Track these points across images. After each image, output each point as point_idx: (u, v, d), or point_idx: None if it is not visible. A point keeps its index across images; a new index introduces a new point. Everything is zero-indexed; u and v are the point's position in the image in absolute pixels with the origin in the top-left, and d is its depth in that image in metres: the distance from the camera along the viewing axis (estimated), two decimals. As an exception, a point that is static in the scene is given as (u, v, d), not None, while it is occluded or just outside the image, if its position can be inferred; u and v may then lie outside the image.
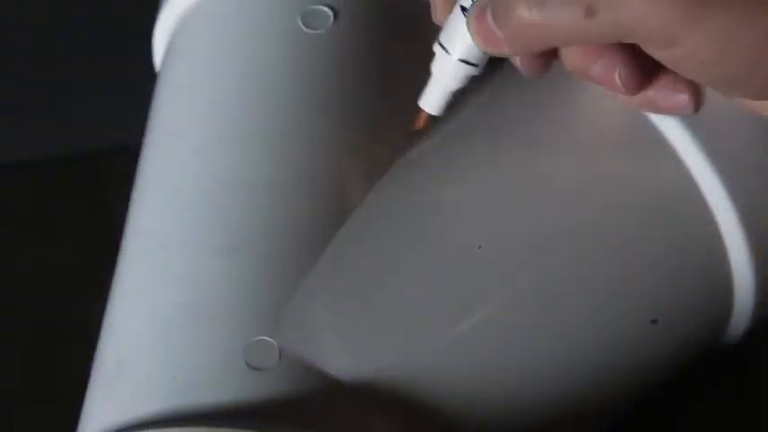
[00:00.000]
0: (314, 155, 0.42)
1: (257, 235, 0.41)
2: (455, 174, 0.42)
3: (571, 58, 0.36)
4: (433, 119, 0.39)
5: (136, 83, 0.54)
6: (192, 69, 0.46)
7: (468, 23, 0.36)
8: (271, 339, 0.39)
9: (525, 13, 0.34)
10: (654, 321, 0.42)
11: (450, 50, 0.37)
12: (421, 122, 0.40)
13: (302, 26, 0.44)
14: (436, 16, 0.38)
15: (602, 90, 0.40)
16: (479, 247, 0.41)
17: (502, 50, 0.36)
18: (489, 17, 0.35)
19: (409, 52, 0.45)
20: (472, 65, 0.37)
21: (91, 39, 0.64)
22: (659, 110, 0.36)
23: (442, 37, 0.37)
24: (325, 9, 0.44)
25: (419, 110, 0.39)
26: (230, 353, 0.39)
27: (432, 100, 0.39)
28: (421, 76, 0.43)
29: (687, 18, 0.33)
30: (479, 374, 0.41)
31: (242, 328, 0.39)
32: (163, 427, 0.38)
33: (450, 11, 0.37)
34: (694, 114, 0.36)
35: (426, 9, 0.44)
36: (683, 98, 0.36)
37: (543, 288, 0.41)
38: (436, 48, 0.38)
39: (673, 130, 0.42)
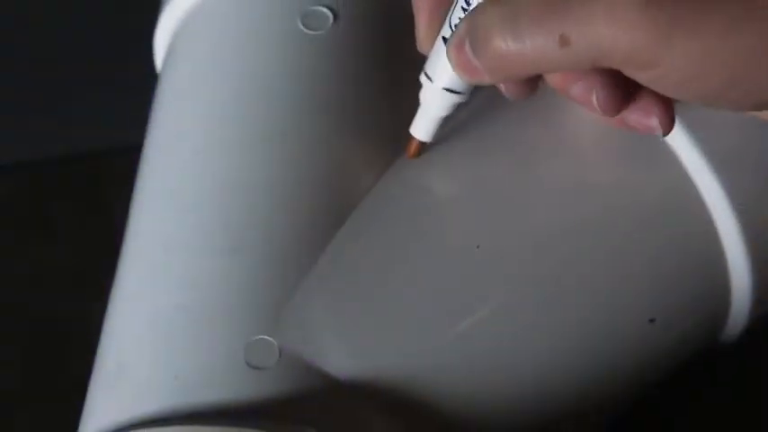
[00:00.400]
0: (314, 155, 0.42)
1: (257, 235, 0.41)
2: (454, 174, 0.43)
3: (552, 79, 0.37)
4: (424, 145, 0.41)
5: (136, 83, 0.54)
6: (192, 71, 0.46)
7: (447, 54, 0.38)
8: (271, 339, 0.39)
9: (501, 44, 0.35)
10: (652, 320, 0.42)
11: (434, 80, 0.39)
12: (412, 150, 0.41)
13: (302, 27, 0.44)
14: (420, 46, 0.39)
15: None
16: (477, 247, 0.41)
17: (482, 80, 0.37)
18: (467, 48, 0.37)
19: (408, 53, 0.44)
20: (457, 93, 0.39)
21: (91, 39, 0.64)
22: (632, 130, 0.37)
23: (427, 67, 0.39)
24: (325, 10, 0.44)
25: (410, 138, 0.41)
26: (230, 352, 0.39)
27: (422, 127, 0.41)
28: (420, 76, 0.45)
29: (662, 40, 0.33)
30: (479, 373, 0.41)
31: (242, 328, 0.39)
32: (163, 426, 0.38)
33: (433, 41, 0.39)
34: (663, 137, 0.37)
35: None
36: (654, 122, 0.37)
37: (542, 287, 0.41)
38: (422, 78, 0.39)
39: (675, 136, 0.42)
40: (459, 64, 0.37)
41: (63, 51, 0.64)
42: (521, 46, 0.35)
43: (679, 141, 0.42)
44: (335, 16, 0.44)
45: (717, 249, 0.43)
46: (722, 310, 0.44)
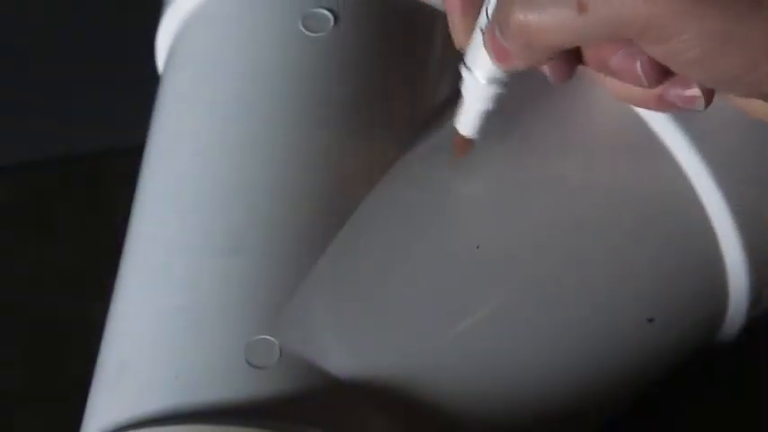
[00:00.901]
0: (314, 156, 0.42)
1: (258, 236, 0.41)
2: (454, 175, 0.43)
3: (591, 50, 0.36)
4: (470, 142, 0.40)
5: (136, 83, 0.54)
6: (193, 72, 0.46)
7: (485, 44, 0.37)
8: (271, 338, 0.39)
9: (521, 17, 0.35)
10: (650, 320, 0.42)
11: (475, 73, 0.38)
12: (460, 148, 0.41)
13: (303, 29, 0.44)
14: (458, 41, 0.39)
15: (599, 93, 0.41)
16: (477, 248, 0.41)
17: (514, 63, 0.36)
18: (497, 32, 0.36)
19: (408, 54, 0.45)
20: (500, 84, 0.38)
21: (91, 39, 0.64)
22: (671, 105, 0.36)
23: (468, 60, 0.38)
24: (326, 12, 0.45)
25: (456, 136, 0.40)
26: (231, 352, 0.39)
27: (466, 123, 0.40)
28: (420, 77, 0.45)
29: (684, 13, 0.33)
30: (478, 373, 0.41)
31: (243, 328, 0.40)
32: (165, 425, 0.38)
33: (470, 35, 0.38)
34: (704, 110, 0.36)
35: (426, 12, 0.45)
36: (696, 92, 0.36)
37: (542, 288, 0.42)
38: (463, 71, 0.39)
39: (668, 132, 0.43)
40: (494, 50, 0.37)
41: (63, 51, 0.64)
42: (540, 16, 0.34)
43: (676, 143, 0.42)
44: (336, 18, 0.45)
45: (714, 250, 0.43)
46: (720, 310, 0.45)
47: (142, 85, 0.52)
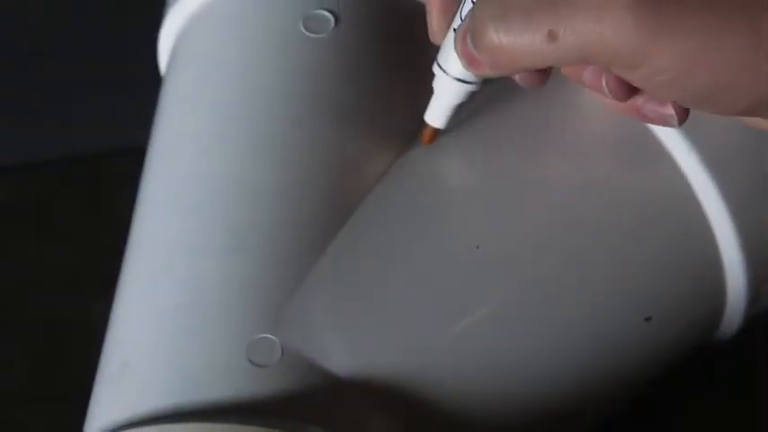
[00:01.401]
0: (315, 157, 0.43)
1: (260, 236, 0.41)
2: (454, 175, 0.43)
3: (564, 67, 0.38)
4: (437, 132, 0.42)
5: (135, 83, 0.55)
6: (195, 73, 0.46)
7: (455, 45, 0.38)
8: (273, 337, 0.40)
9: (494, 37, 0.36)
10: (648, 319, 0.43)
11: (446, 70, 0.40)
12: (427, 136, 0.43)
13: (304, 30, 0.45)
14: (433, 37, 0.40)
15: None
16: (477, 247, 0.41)
17: (484, 72, 0.38)
18: (469, 40, 0.37)
19: (408, 55, 0.46)
20: (468, 83, 0.40)
21: (91, 39, 0.64)
22: (645, 119, 0.38)
23: (440, 57, 0.40)
24: (326, 14, 0.45)
25: (425, 124, 0.42)
26: (233, 351, 0.40)
27: (435, 115, 0.42)
28: (420, 78, 0.44)
29: (648, 40, 0.34)
30: (478, 372, 0.41)
31: (245, 327, 0.40)
32: (167, 423, 0.39)
33: (446, 32, 0.40)
34: (678, 127, 0.37)
35: (425, 12, 0.46)
36: (669, 111, 0.37)
37: (541, 287, 0.42)
38: (435, 68, 0.40)
39: (666, 132, 0.43)
40: (464, 56, 0.38)
41: (63, 51, 0.64)
42: (511, 40, 0.36)
43: (675, 143, 0.43)
44: (337, 19, 0.45)
45: (713, 249, 0.43)
46: (717, 309, 0.45)
47: (142, 85, 0.52)
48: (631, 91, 0.37)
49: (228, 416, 0.39)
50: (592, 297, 0.43)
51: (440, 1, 0.40)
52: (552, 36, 0.35)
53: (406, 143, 0.44)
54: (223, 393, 0.39)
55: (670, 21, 0.34)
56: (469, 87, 0.40)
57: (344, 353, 0.40)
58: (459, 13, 0.39)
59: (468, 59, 0.38)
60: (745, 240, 0.43)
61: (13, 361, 0.56)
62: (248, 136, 0.44)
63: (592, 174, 0.43)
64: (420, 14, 0.45)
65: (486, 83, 0.41)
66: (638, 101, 0.37)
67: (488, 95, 0.43)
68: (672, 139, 0.43)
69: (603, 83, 0.37)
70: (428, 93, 0.45)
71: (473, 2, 0.38)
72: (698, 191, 0.43)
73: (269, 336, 0.40)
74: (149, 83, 0.52)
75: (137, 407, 0.40)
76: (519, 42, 0.36)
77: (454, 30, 0.39)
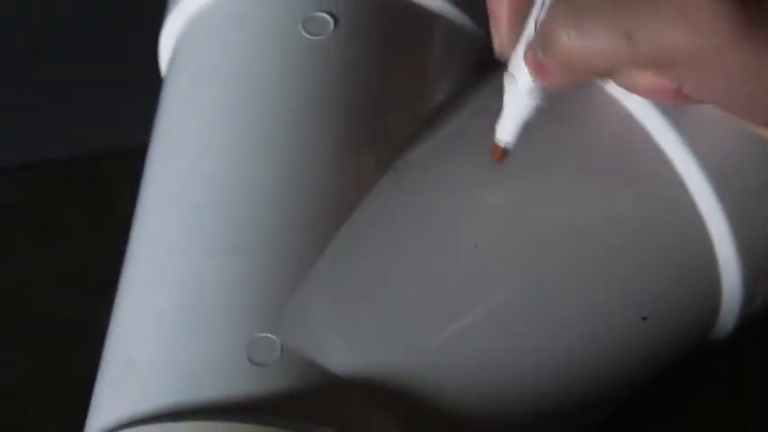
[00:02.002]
0: (315, 158, 0.43)
1: (260, 236, 0.42)
2: (454, 176, 0.44)
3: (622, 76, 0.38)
4: (507, 150, 0.41)
5: (136, 83, 0.55)
6: (195, 75, 0.47)
7: (525, 59, 0.38)
8: (273, 336, 0.40)
9: (566, 40, 0.36)
10: (644, 318, 0.43)
11: (519, 83, 0.39)
12: (498, 154, 0.41)
13: (303, 32, 0.45)
14: (501, 49, 0.40)
15: (598, 98, 0.42)
16: (475, 247, 0.42)
17: (554, 82, 0.37)
18: (539, 51, 0.37)
19: (408, 56, 0.46)
20: (541, 96, 0.39)
21: (91, 39, 0.64)
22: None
23: (512, 68, 0.39)
24: (326, 16, 0.45)
25: (495, 142, 0.41)
26: (234, 350, 0.40)
27: (506, 130, 0.41)
28: (420, 79, 0.46)
29: (725, 46, 0.34)
30: (478, 371, 0.42)
31: (245, 326, 0.40)
32: (168, 422, 0.39)
33: (515, 43, 0.39)
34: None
35: (425, 14, 0.46)
36: None
37: (540, 287, 0.42)
38: (506, 79, 0.39)
39: (663, 135, 0.43)
40: (534, 67, 0.38)
41: (63, 51, 0.64)
42: (584, 41, 0.35)
43: (671, 144, 0.43)
44: (336, 21, 0.45)
45: (708, 249, 0.43)
46: (713, 309, 0.45)
47: (142, 85, 0.52)
48: (671, 96, 0.37)
49: (229, 414, 0.39)
50: (590, 297, 0.43)
51: (508, 11, 0.39)
52: (629, 36, 0.35)
53: (406, 144, 0.44)
54: (223, 392, 0.40)
55: (755, 29, 0.34)
56: (539, 100, 0.39)
57: (344, 352, 0.41)
58: (533, 23, 0.38)
59: (538, 69, 0.38)
60: (741, 241, 0.43)
61: (13, 361, 0.57)
62: (248, 137, 0.44)
63: (590, 174, 0.43)
64: (419, 16, 0.47)
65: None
66: None
67: (487, 98, 0.43)
68: (668, 141, 0.43)
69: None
70: (428, 93, 0.46)
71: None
72: (693, 191, 0.43)
73: (269, 335, 0.40)
74: (149, 83, 0.52)
75: (138, 405, 0.40)
76: (593, 44, 0.35)
77: (527, 42, 0.39)
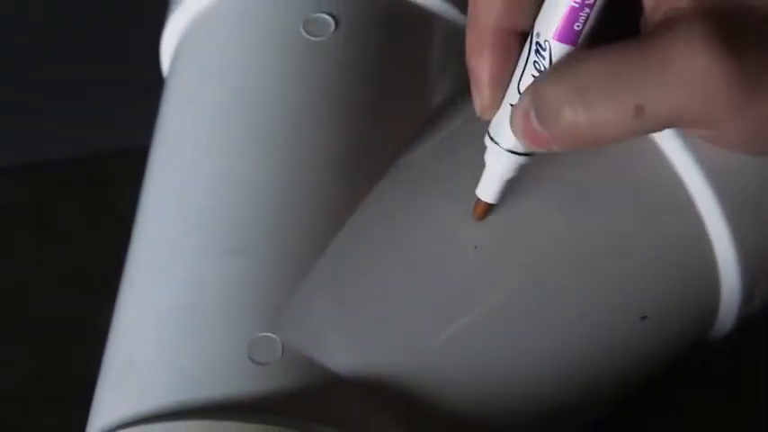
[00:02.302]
0: (315, 159, 0.43)
1: (261, 236, 0.42)
2: (454, 175, 0.44)
3: None
4: (490, 207, 0.42)
5: (136, 83, 0.55)
6: (197, 75, 0.47)
7: (511, 123, 0.38)
8: (274, 336, 0.40)
9: (571, 116, 0.36)
10: (644, 318, 0.43)
11: (500, 143, 0.39)
12: (480, 212, 0.42)
13: (304, 33, 0.45)
14: (483, 112, 0.40)
15: None
16: (475, 247, 0.42)
17: (550, 148, 0.38)
18: (533, 118, 0.37)
19: (409, 55, 0.47)
20: (523, 155, 0.39)
21: (91, 39, 0.65)
22: None
23: (492, 130, 0.40)
24: (327, 17, 0.45)
25: (477, 200, 0.41)
26: (235, 349, 0.40)
27: (488, 189, 0.41)
28: (420, 79, 0.46)
29: (731, 107, 0.35)
30: (478, 370, 0.42)
31: (246, 326, 0.41)
32: (170, 421, 0.39)
33: (498, 106, 0.39)
34: None
35: (425, 15, 0.46)
36: None
37: (541, 287, 0.43)
38: (487, 140, 0.40)
39: (663, 136, 0.43)
40: (525, 133, 0.38)
41: (63, 51, 0.64)
42: (593, 117, 0.36)
43: (671, 145, 0.43)
44: (337, 23, 0.45)
45: (707, 250, 0.44)
46: (712, 309, 0.45)
47: (142, 85, 0.53)
48: None
49: (230, 413, 0.39)
50: (590, 297, 0.43)
51: (490, 74, 0.39)
52: (639, 110, 0.35)
53: (407, 144, 0.45)
54: (224, 391, 0.40)
55: (762, 85, 0.34)
56: (523, 160, 0.40)
57: (345, 351, 0.41)
58: (515, 87, 0.38)
59: (530, 136, 0.38)
60: (740, 241, 0.43)
61: (13, 361, 0.57)
62: (249, 137, 0.44)
63: (590, 176, 0.44)
64: (419, 17, 0.47)
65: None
66: None
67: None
68: (668, 142, 0.43)
69: None
70: (428, 93, 0.46)
71: (533, 76, 0.38)
72: (693, 192, 0.43)
73: (270, 334, 0.40)
74: (149, 83, 0.52)
75: (139, 405, 0.41)
76: (602, 119, 0.35)
77: (510, 105, 0.39)
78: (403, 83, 0.46)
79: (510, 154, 0.40)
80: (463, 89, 0.45)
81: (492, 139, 0.40)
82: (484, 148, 0.41)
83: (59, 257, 0.59)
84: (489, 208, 0.42)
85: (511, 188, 0.41)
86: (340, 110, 0.44)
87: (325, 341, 0.41)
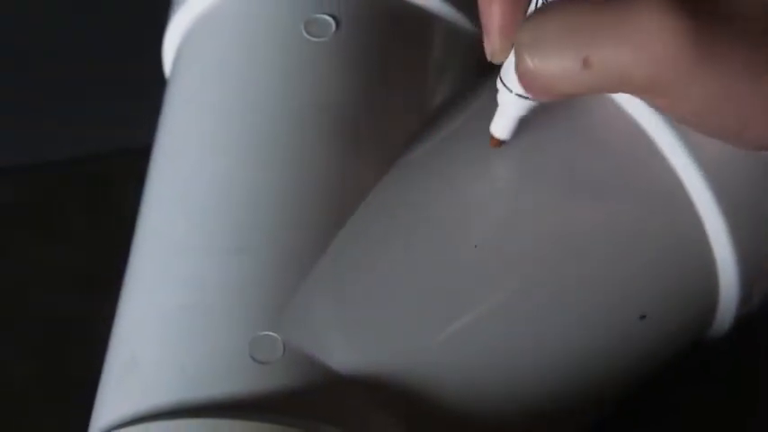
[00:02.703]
0: (316, 158, 0.43)
1: (262, 236, 0.42)
2: (454, 176, 0.44)
3: None
4: (503, 142, 0.43)
5: (137, 83, 0.56)
6: (199, 76, 0.47)
7: (515, 69, 0.39)
8: (275, 335, 0.40)
9: (529, 63, 0.37)
10: (642, 317, 0.44)
11: (510, 87, 0.41)
12: (495, 142, 0.43)
13: (305, 34, 0.46)
14: (494, 56, 0.41)
15: (605, 105, 0.43)
16: (476, 247, 0.42)
17: (537, 97, 0.39)
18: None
19: (409, 56, 0.47)
20: (530, 99, 0.41)
21: (91, 39, 0.65)
22: None
23: (503, 74, 0.41)
24: (328, 18, 0.46)
25: (492, 138, 0.43)
26: (236, 348, 0.40)
27: (500, 127, 0.43)
28: (420, 80, 0.46)
29: (686, 73, 0.35)
30: (478, 370, 0.42)
31: (247, 325, 0.41)
32: (171, 419, 0.40)
33: (508, 50, 0.40)
34: None
35: (426, 16, 0.47)
36: None
37: (541, 287, 0.43)
38: (498, 83, 0.41)
39: (660, 134, 0.43)
40: (519, 78, 0.39)
41: (63, 51, 0.64)
42: (546, 66, 0.37)
43: (668, 144, 0.43)
44: (338, 23, 0.46)
45: (706, 249, 0.44)
46: (710, 308, 0.46)
47: (142, 85, 0.53)
48: None
49: (231, 412, 0.40)
50: (589, 297, 0.44)
51: (501, 20, 0.40)
52: (587, 63, 0.36)
53: (407, 144, 0.45)
54: (226, 390, 0.40)
55: (714, 54, 0.35)
56: (531, 103, 0.41)
57: (346, 350, 0.41)
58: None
59: (522, 82, 0.39)
60: (738, 241, 0.44)
61: (13, 361, 0.57)
62: (251, 137, 0.44)
63: (589, 176, 0.44)
64: (419, 17, 0.47)
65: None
66: None
67: (487, 97, 0.43)
68: (665, 140, 0.43)
69: None
70: (429, 94, 0.47)
71: None
72: (692, 192, 0.43)
73: (271, 333, 0.41)
74: (150, 83, 0.53)
75: (141, 404, 0.41)
76: (554, 70, 0.37)
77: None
78: (403, 83, 0.46)
79: (518, 98, 0.41)
80: (463, 89, 0.47)
81: (503, 82, 0.41)
82: (484, 147, 0.42)
83: (59, 257, 0.59)
84: (502, 143, 0.43)
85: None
86: (341, 110, 0.45)
87: (326, 340, 0.41)
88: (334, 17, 0.46)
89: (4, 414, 0.56)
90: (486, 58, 0.42)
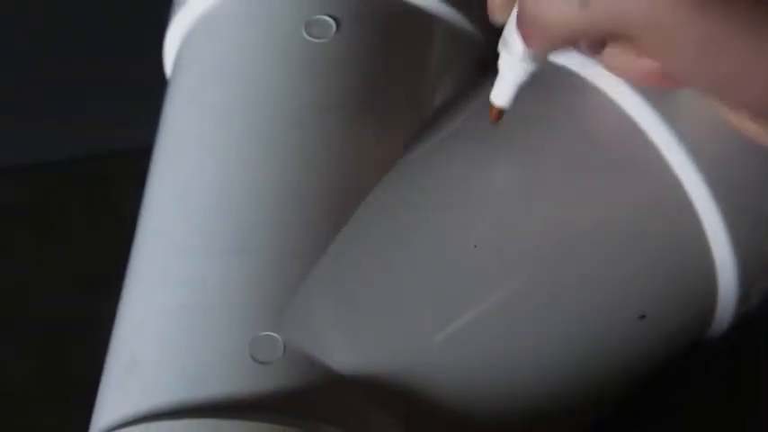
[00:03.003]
0: (316, 159, 0.44)
1: (263, 236, 0.43)
2: (455, 176, 0.44)
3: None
4: (502, 111, 0.43)
5: (137, 83, 0.56)
6: (200, 76, 0.48)
7: (517, 24, 0.39)
8: (276, 335, 0.41)
9: (530, 6, 0.37)
10: (642, 317, 0.44)
11: (511, 49, 0.41)
12: (494, 116, 0.43)
13: (306, 35, 0.46)
14: (495, 17, 0.41)
15: (601, 103, 0.43)
16: (475, 246, 0.43)
17: (537, 48, 0.39)
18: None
19: (409, 57, 0.47)
20: (533, 61, 0.41)
21: (91, 39, 0.65)
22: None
23: (504, 36, 0.41)
24: (328, 19, 0.46)
25: (492, 106, 0.43)
26: (237, 348, 0.41)
27: (501, 94, 0.42)
28: (420, 81, 0.46)
29: (684, 15, 0.34)
30: (478, 369, 0.42)
31: (248, 325, 0.41)
32: (172, 419, 0.40)
33: (509, 9, 0.40)
34: None
35: (426, 17, 0.47)
36: None
37: (540, 287, 0.43)
38: (500, 47, 0.41)
39: (660, 134, 0.44)
40: (520, 31, 0.39)
41: (63, 51, 0.64)
42: (544, 6, 0.37)
43: (667, 144, 0.43)
44: (338, 24, 0.46)
45: (705, 249, 0.44)
46: (709, 308, 0.46)
47: (143, 85, 0.53)
48: (656, 79, 0.38)
49: (232, 412, 0.40)
50: (589, 296, 0.44)
51: None
52: (584, 3, 0.36)
53: (407, 144, 0.45)
54: (226, 390, 0.40)
55: (709, 5, 0.34)
56: (533, 66, 0.41)
57: (346, 350, 0.41)
58: None
59: (522, 34, 0.39)
60: (737, 241, 0.44)
61: (13, 361, 0.57)
62: (252, 137, 0.45)
63: (588, 176, 0.44)
64: (420, 18, 0.47)
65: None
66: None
67: (487, 96, 0.44)
68: (664, 140, 0.44)
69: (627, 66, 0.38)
70: (428, 94, 0.47)
71: None
72: (690, 192, 0.44)
73: (272, 333, 0.41)
74: (150, 83, 0.53)
75: (142, 404, 0.41)
76: (552, 9, 0.37)
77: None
78: (403, 84, 0.47)
79: (519, 60, 0.41)
80: (463, 89, 0.47)
81: (504, 45, 0.41)
82: (484, 147, 0.43)
83: (59, 257, 0.59)
84: (502, 113, 0.43)
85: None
86: (341, 110, 0.45)
87: (326, 340, 0.41)
88: (334, 18, 0.46)
89: (4, 414, 0.56)
90: (485, 58, 0.42)
